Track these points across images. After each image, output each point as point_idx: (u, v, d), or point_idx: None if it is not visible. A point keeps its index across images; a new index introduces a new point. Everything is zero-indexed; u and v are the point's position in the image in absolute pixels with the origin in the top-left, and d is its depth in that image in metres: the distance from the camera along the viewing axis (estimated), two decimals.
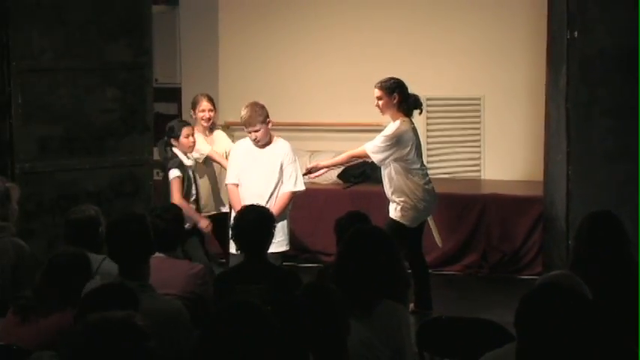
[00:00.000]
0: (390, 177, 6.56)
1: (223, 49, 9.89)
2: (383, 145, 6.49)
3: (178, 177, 6.59)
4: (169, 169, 6.63)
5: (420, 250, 6.73)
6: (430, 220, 6.92)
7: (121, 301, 3.33)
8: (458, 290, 7.61)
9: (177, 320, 3.86)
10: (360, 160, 7.43)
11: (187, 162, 6.71)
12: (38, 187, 7.00)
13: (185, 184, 6.64)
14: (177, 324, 3.84)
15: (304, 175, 6.75)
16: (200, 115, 7.00)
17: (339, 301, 3.06)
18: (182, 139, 6.69)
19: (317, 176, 6.99)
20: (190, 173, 6.74)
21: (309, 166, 6.92)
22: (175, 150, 6.71)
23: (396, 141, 6.46)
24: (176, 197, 6.54)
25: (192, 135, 6.75)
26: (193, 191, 6.76)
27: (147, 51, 7.51)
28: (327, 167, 7.03)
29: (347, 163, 7.31)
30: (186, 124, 6.86)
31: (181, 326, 3.84)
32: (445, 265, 8.04)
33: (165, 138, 6.76)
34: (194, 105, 7.05)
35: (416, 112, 6.70)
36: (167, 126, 6.85)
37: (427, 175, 6.69)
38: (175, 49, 9.98)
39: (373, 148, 6.53)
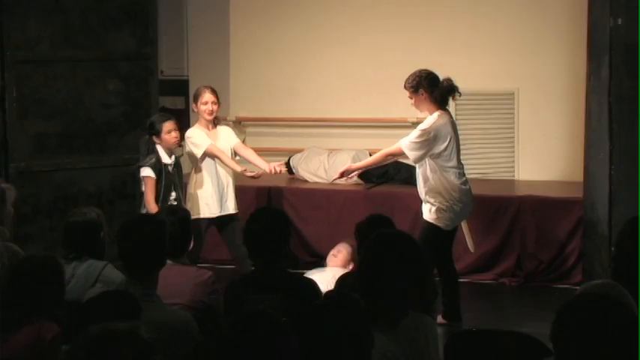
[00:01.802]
0: (424, 175, 6.55)
1: (235, 38, 9.90)
2: (419, 140, 6.47)
3: (151, 177, 6.61)
4: (140, 167, 6.65)
5: (450, 257, 6.73)
6: (463, 224, 6.91)
7: (123, 309, 3.35)
8: (490, 300, 7.59)
9: (186, 332, 3.87)
10: (394, 160, 7.34)
11: (167, 160, 6.72)
12: (34, 188, 7.04)
13: (163, 184, 6.65)
14: (186, 336, 3.85)
15: (337, 179, 6.97)
16: (203, 108, 6.96)
17: (362, 312, 3.06)
18: (164, 135, 6.69)
19: (350, 178, 7.04)
20: (171, 171, 6.74)
21: (342, 169, 6.88)
22: (158, 147, 6.71)
23: (433, 135, 6.45)
24: (150, 199, 6.56)
25: (176, 130, 6.75)
26: (173, 192, 6.76)
27: (152, 41, 7.56)
28: (361, 168, 7.02)
29: (383, 162, 7.08)
30: (168, 118, 6.84)
31: (190, 339, 3.86)
32: (476, 273, 8.02)
33: (147, 135, 6.75)
34: (196, 97, 7.02)
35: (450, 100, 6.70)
36: (148, 121, 6.84)
37: (464, 174, 6.68)
38: (183, 38, 9.99)
39: (409, 144, 6.50)
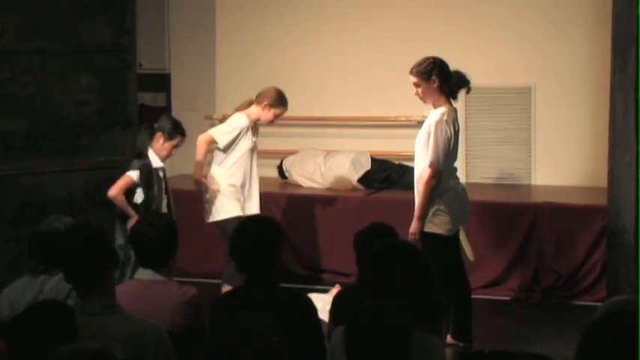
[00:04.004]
0: (422, 178, 6.54)
1: (221, 28, 9.90)
2: (446, 144, 6.41)
3: (130, 177, 6.71)
4: (131, 168, 6.75)
5: (462, 269, 6.71)
6: (460, 230, 6.90)
7: (54, 321, 3.37)
8: (504, 318, 7.59)
9: (156, 344, 3.86)
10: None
11: (157, 164, 6.82)
12: None
13: (155, 188, 6.76)
14: (156, 348, 3.84)
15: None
16: (269, 117, 7.27)
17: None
18: (168, 144, 6.83)
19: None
20: (162, 175, 6.86)
21: (411, 230, 6.48)
22: (150, 149, 6.83)
23: (451, 132, 6.42)
24: (113, 189, 6.68)
25: (177, 147, 6.92)
26: (164, 201, 6.89)
27: (129, 30, 7.54)
28: (421, 218, 6.53)
29: (433, 195, 6.53)
30: (183, 134, 6.94)
31: (161, 351, 3.85)
32: (489, 288, 8.02)
33: (156, 127, 6.85)
34: (273, 102, 7.24)
35: (460, 95, 6.68)
36: (162, 118, 6.98)
37: (456, 175, 6.70)
38: (163, 28, 10.00)
39: (441, 154, 6.39)
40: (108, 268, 3.98)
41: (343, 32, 9.45)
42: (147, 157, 6.78)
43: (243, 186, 7.22)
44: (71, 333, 3.36)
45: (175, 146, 6.87)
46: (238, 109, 7.32)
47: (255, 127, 7.30)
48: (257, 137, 7.37)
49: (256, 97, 7.28)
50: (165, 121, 6.93)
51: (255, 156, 7.31)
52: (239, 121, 7.21)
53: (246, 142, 7.20)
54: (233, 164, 7.20)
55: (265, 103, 7.20)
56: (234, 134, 7.16)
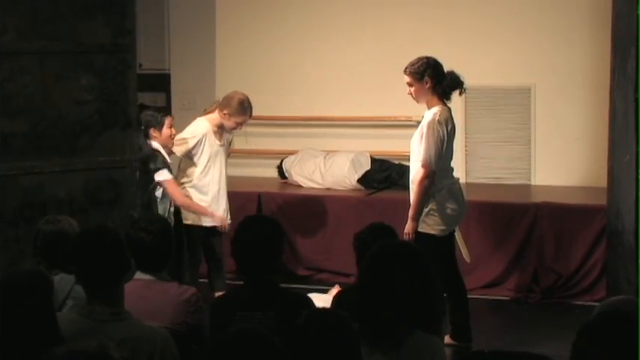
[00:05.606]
0: (416, 178, 6.55)
1: (221, 28, 9.91)
2: (438, 144, 6.43)
3: (171, 179, 6.90)
4: (156, 170, 6.83)
5: (456, 269, 6.72)
6: (456, 231, 6.91)
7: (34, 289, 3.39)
8: (504, 318, 7.60)
9: (163, 351, 3.87)
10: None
11: (169, 160, 6.96)
12: None
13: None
14: (163, 355, 3.85)
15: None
16: (232, 125, 7.21)
17: (351, 332, 3.07)
18: (165, 129, 6.99)
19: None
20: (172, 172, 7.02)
21: (406, 230, 6.55)
22: (155, 144, 6.91)
23: (443, 132, 6.44)
24: (179, 197, 6.90)
25: (173, 126, 7.07)
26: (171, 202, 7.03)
27: (129, 30, 7.53)
28: (415, 217, 6.59)
29: (427, 195, 6.56)
30: (166, 113, 7.20)
31: (168, 358, 3.86)
32: (488, 288, 8.03)
33: (143, 128, 6.95)
34: (234, 110, 7.18)
35: (454, 95, 6.69)
36: (143, 115, 7.04)
37: (453, 175, 6.73)
38: (163, 28, 10.00)
39: (430, 158, 6.44)
40: (121, 275, 3.99)
41: (343, 32, 9.45)
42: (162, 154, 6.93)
43: (208, 192, 7.22)
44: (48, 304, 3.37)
45: (171, 126, 7.04)
46: (206, 111, 7.32)
47: (219, 131, 7.25)
48: (224, 141, 7.32)
49: (222, 100, 7.28)
50: (150, 114, 7.08)
51: (221, 160, 7.28)
52: (196, 129, 7.20)
53: (209, 148, 7.19)
54: (196, 171, 7.20)
55: (225, 112, 7.19)
56: (191, 144, 7.15)
